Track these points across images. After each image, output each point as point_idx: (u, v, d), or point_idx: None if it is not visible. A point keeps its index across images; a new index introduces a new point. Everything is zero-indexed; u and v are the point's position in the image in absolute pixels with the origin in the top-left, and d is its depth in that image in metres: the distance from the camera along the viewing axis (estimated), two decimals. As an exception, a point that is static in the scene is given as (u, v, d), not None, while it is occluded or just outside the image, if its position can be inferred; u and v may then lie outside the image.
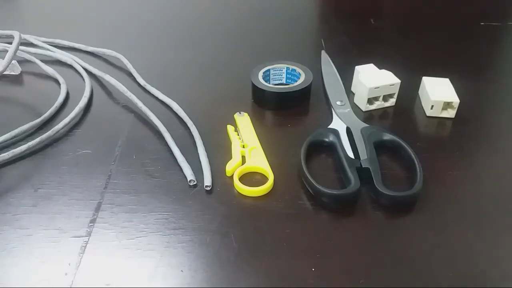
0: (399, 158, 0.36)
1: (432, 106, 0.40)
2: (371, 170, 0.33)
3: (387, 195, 0.31)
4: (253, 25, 0.59)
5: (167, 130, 0.39)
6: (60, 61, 0.49)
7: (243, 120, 0.40)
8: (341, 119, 0.39)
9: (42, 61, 0.48)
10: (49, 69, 0.47)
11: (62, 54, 0.50)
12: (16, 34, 0.44)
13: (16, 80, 0.47)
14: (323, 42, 0.52)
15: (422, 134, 0.39)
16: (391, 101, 0.42)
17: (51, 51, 0.50)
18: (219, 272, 0.28)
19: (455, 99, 0.40)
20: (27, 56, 0.49)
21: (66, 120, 0.39)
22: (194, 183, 0.34)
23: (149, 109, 0.41)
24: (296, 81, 0.43)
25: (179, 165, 0.35)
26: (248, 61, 0.46)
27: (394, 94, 0.42)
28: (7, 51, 0.43)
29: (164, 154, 0.37)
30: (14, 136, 0.38)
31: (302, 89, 0.41)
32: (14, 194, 0.33)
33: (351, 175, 0.33)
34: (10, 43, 0.44)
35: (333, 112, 0.40)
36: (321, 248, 0.29)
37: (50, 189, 0.33)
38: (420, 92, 0.43)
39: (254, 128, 0.39)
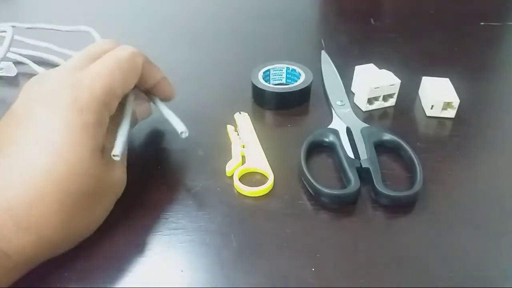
0: (399, 158, 0.36)
1: (432, 106, 0.40)
2: (371, 170, 0.33)
3: (387, 195, 0.31)
4: (253, 25, 0.59)
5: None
6: (55, 63, 0.49)
7: (243, 120, 0.40)
8: (341, 119, 0.39)
9: (35, 62, 0.48)
10: (43, 71, 0.47)
11: (57, 56, 0.49)
12: (9, 29, 0.44)
13: (12, 82, 0.47)
14: (323, 42, 0.52)
15: (422, 134, 0.39)
16: (391, 101, 0.42)
17: (46, 53, 0.50)
18: (219, 272, 0.28)
19: (455, 99, 0.40)
20: (19, 58, 0.48)
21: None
22: (186, 134, 0.31)
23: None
24: (296, 81, 0.43)
25: (179, 165, 0.36)
26: (248, 61, 0.46)
27: (394, 94, 0.42)
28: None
29: (164, 154, 0.37)
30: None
31: (302, 89, 0.41)
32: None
33: (351, 175, 0.33)
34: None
35: (333, 112, 0.40)
36: (321, 248, 0.29)
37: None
38: (420, 92, 0.44)
39: (254, 128, 0.39)
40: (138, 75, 0.32)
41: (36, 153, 0.26)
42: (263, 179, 0.34)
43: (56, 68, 0.30)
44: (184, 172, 0.35)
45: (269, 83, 0.43)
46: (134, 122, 0.35)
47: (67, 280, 0.27)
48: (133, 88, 0.33)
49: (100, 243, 0.29)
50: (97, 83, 0.28)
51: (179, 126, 0.32)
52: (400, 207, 0.32)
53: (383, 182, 0.32)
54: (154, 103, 0.35)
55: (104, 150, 0.29)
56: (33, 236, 0.25)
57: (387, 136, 0.37)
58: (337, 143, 0.36)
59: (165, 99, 0.36)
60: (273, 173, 0.34)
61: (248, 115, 0.40)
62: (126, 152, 0.32)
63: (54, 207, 0.25)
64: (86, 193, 0.27)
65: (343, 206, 0.32)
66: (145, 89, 0.34)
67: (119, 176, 0.30)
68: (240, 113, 0.40)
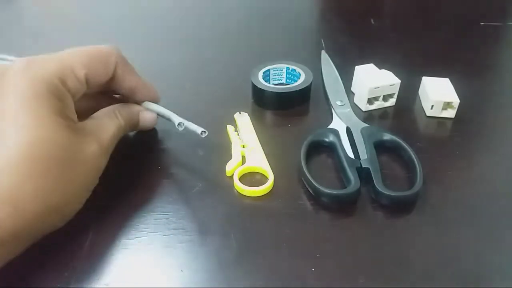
0: (399, 158, 0.36)
1: (432, 106, 0.40)
2: (371, 170, 0.33)
3: (387, 195, 0.31)
4: (253, 25, 0.59)
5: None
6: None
7: (243, 120, 0.40)
8: (341, 119, 0.39)
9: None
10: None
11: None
12: None
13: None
14: (323, 42, 0.52)
15: (422, 134, 0.39)
16: (391, 101, 0.42)
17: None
18: (219, 272, 0.28)
19: (455, 99, 0.40)
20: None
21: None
22: (206, 133, 0.33)
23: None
24: (296, 81, 0.43)
25: (179, 165, 0.36)
26: (248, 61, 0.46)
27: (394, 94, 0.42)
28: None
29: (164, 154, 0.37)
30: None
31: (302, 89, 0.41)
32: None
33: (351, 175, 0.33)
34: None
35: (333, 112, 0.40)
36: (321, 248, 0.29)
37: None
38: (420, 92, 0.43)
39: (254, 128, 0.39)
40: (108, 68, 0.32)
41: None
42: (263, 179, 0.34)
43: None
44: (184, 172, 0.35)
45: (269, 83, 0.43)
46: (135, 126, 0.35)
47: (67, 280, 0.27)
48: (111, 91, 0.35)
49: (100, 243, 0.29)
50: (51, 58, 0.29)
51: (176, 118, 0.33)
52: (400, 207, 0.32)
53: (383, 182, 0.32)
54: (146, 107, 0.36)
55: (75, 124, 0.29)
56: (8, 207, 0.25)
57: (387, 136, 0.37)
58: (337, 143, 0.36)
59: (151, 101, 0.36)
60: (273, 173, 0.34)
61: (248, 115, 0.40)
62: (115, 142, 0.32)
63: (23, 174, 0.26)
64: (54, 158, 0.27)
65: (343, 206, 0.32)
66: (125, 93, 0.35)
67: (93, 150, 0.30)
68: (240, 113, 0.40)
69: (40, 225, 0.27)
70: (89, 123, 0.31)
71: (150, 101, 0.36)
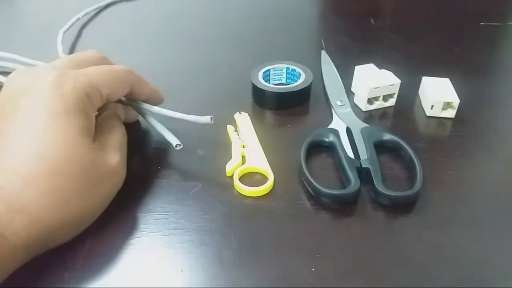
0: (399, 158, 0.36)
1: (432, 106, 0.40)
2: (371, 170, 0.33)
3: (387, 195, 0.31)
4: (253, 25, 0.59)
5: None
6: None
7: (243, 120, 0.40)
8: (341, 119, 0.39)
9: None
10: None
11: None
12: None
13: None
14: (323, 42, 0.52)
15: (422, 134, 0.39)
16: (391, 101, 0.42)
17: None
18: (219, 272, 0.28)
19: (455, 99, 0.40)
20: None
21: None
22: (181, 146, 0.33)
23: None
24: (296, 81, 0.43)
25: (179, 165, 0.35)
26: (248, 61, 0.46)
27: (394, 94, 0.42)
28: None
29: (164, 154, 0.37)
30: None
31: (302, 89, 0.41)
32: None
33: (351, 175, 0.33)
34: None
35: (333, 112, 0.40)
36: (321, 248, 0.29)
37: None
38: (420, 92, 0.43)
39: (254, 128, 0.39)
40: (127, 88, 0.33)
41: (25, 141, 0.27)
42: (263, 179, 0.34)
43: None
44: (184, 172, 0.35)
45: (269, 83, 0.43)
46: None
47: (67, 280, 0.27)
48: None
49: (100, 243, 0.29)
50: (80, 74, 0.30)
51: (173, 139, 0.34)
52: (400, 207, 0.32)
53: (383, 182, 0.32)
54: (146, 119, 0.36)
55: (95, 140, 0.30)
56: (24, 217, 0.25)
57: (387, 136, 0.37)
58: (337, 143, 0.36)
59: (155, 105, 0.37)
60: (273, 173, 0.34)
61: (248, 115, 0.40)
62: (126, 147, 0.33)
63: (44, 189, 0.26)
64: (76, 175, 0.27)
65: (343, 206, 0.32)
66: (140, 101, 0.36)
67: (114, 165, 0.30)
68: (240, 113, 0.40)
69: (52, 238, 0.27)
70: (104, 136, 0.31)
71: (157, 103, 0.37)
